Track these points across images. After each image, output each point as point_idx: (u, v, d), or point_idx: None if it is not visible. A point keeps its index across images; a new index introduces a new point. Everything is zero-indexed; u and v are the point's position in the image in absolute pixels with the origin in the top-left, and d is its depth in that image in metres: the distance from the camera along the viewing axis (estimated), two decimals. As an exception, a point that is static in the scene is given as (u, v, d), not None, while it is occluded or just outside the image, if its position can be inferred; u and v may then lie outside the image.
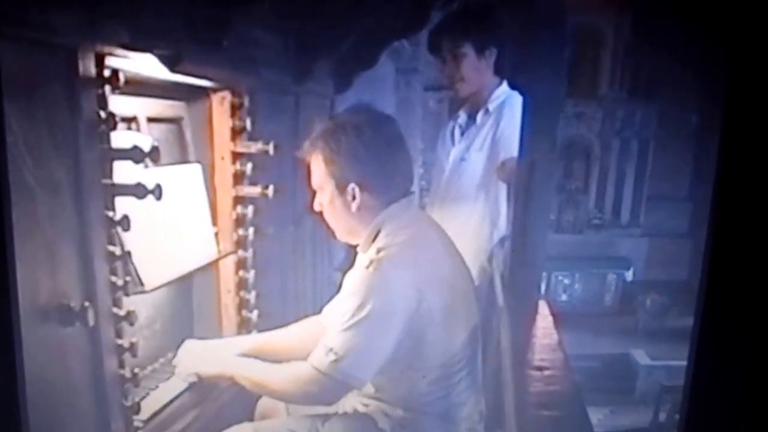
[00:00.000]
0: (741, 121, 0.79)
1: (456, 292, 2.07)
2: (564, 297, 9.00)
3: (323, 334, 2.04)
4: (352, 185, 2.02)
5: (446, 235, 2.18)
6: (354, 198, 2.03)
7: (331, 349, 1.89)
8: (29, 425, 0.99)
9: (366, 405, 2.15)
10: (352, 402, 2.20)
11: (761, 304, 0.84)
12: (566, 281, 9.24)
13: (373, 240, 2.05)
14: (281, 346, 2.34)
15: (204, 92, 2.35)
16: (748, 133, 0.79)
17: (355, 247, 2.20)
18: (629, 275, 9.23)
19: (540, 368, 1.65)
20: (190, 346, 2.23)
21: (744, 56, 0.77)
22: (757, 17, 0.74)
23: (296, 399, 2.14)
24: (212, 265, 2.41)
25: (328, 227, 2.20)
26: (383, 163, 2.06)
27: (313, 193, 2.16)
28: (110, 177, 1.62)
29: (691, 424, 0.90)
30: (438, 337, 1.99)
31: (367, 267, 1.95)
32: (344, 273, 2.28)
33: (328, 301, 2.40)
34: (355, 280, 1.99)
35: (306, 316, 2.46)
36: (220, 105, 2.37)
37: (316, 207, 2.15)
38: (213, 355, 2.20)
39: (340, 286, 2.27)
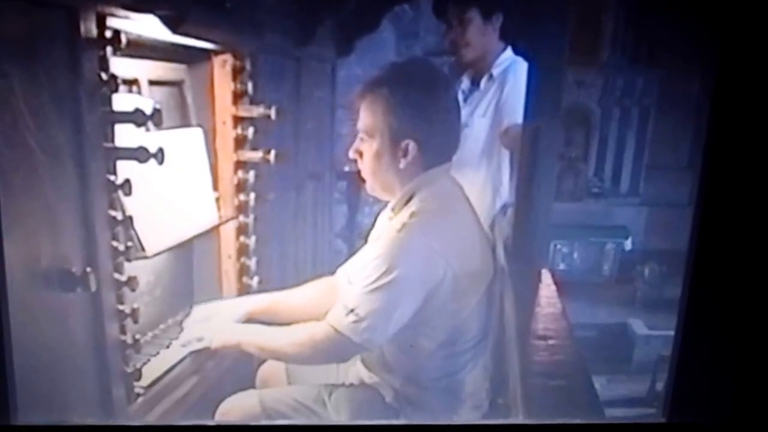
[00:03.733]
0: (731, 95, 0.78)
1: (479, 267, 2.04)
2: (562, 266, 8.96)
3: (336, 294, 2.01)
4: (407, 141, 1.95)
5: (473, 206, 2.14)
6: (406, 155, 1.96)
7: (352, 310, 1.87)
8: (16, 393, 0.97)
9: (373, 377, 2.14)
10: (359, 373, 2.20)
11: (748, 278, 0.84)
12: (564, 250, 9.17)
13: (407, 202, 2.01)
14: (295, 305, 2.31)
15: (205, 55, 2.32)
16: (738, 106, 0.78)
17: (354, 213, 2.18)
18: (628, 244, 9.18)
19: (544, 337, 1.64)
20: (201, 311, 2.23)
21: (737, 30, 0.75)
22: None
23: (305, 358, 2.10)
24: (213, 231, 2.39)
25: (360, 177, 2.13)
26: (444, 122, 2.02)
27: (351, 140, 2.08)
28: (112, 140, 1.60)
29: (677, 395, 0.90)
30: (456, 308, 1.97)
31: (399, 230, 1.91)
32: (365, 237, 2.24)
33: (330, 265, 2.38)
34: (383, 242, 1.95)
35: (306, 282, 2.44)
36: (222, 68, 2.34)
37: (352, 154, 2.08)
38: (222, 320, 2.20)
39: (351, 252, 2.24)
